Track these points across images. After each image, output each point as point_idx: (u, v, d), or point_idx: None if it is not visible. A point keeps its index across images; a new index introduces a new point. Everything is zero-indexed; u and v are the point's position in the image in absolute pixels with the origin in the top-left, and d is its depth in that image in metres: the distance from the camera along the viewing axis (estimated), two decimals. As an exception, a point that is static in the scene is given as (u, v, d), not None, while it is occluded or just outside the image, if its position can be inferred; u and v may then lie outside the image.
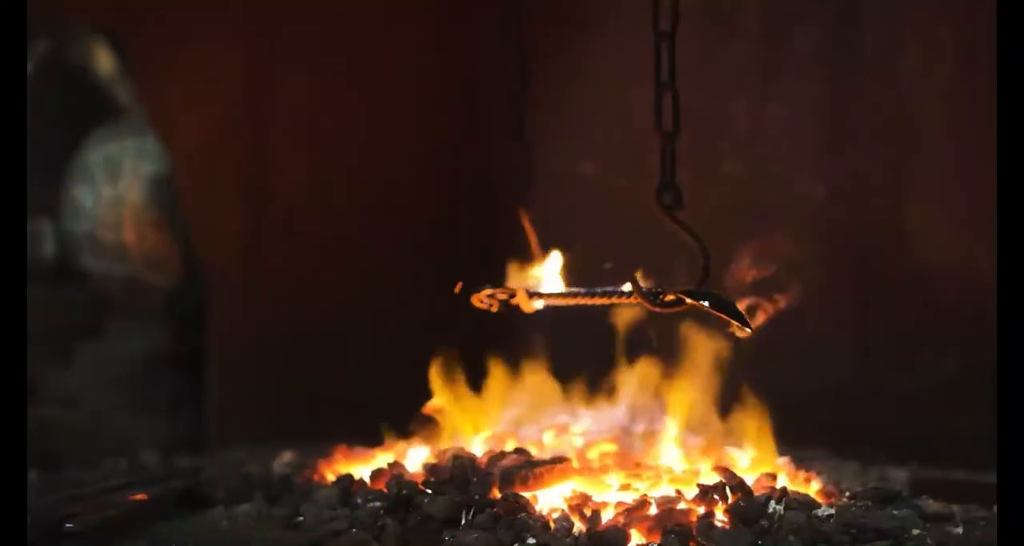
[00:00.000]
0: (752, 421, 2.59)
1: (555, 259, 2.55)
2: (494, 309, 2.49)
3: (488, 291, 2.47)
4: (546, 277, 2.52)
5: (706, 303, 2.26)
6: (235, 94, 3.35)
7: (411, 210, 3.49)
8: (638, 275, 2.32)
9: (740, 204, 3.35)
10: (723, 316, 2.26)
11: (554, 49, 3.38)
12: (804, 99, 3.34)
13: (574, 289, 2.45)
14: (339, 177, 3.47)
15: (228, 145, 3.35)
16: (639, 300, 2.31)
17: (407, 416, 2.67)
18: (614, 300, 2.37)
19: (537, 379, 2.77)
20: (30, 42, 3.46)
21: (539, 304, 2.48)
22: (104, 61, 3.69)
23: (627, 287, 2.33)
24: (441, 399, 2.66)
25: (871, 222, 3.29)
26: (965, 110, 3.11)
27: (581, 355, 2.79)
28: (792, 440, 2.67)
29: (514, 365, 2.77)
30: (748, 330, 2.28)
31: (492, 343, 2.76)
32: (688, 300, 2.27)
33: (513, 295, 2.46)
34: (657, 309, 2.30)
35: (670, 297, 2.28)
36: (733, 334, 2.31)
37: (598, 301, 2.39)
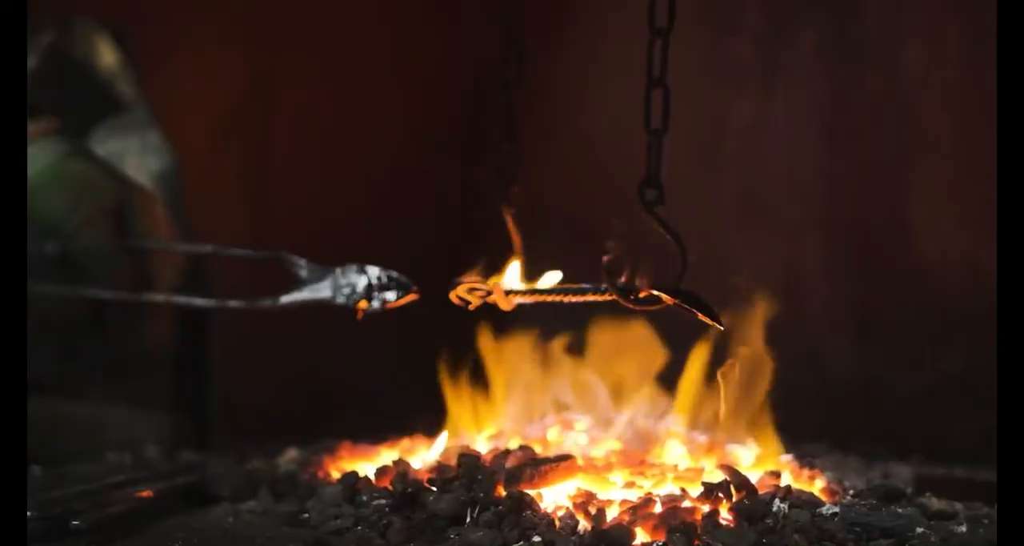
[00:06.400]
0: (756, 419, 2.60)
1: (520, 258, 2.54)
2: (472, 306, 2.49)
3: (465, 287, 2.47)
4: (525, 274, 2.51)
5: (679, 300, 2.26)
6: (239, 89, 3.35)
7: (417, 206, 3.49)
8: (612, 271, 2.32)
9: (742, 201, 3.35)
10: (695, 313, 2.26)
11: (554, 42, 3.38)
12: (807, 95, 3.34)
13: (551, 286, 2.44)
14: (342, 172, 3.46)
15: (232, 140, 3.35)
16: (614, 297, 2.31)
17: (412, 413, 2.67)
18: (589, 297, 2.37)
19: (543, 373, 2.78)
20: (36, 36, 3.46)
21: (517, 301, 2.48)
22: (109, 56, 3.69)
23: (603, 284, 2.34)
24: (451, 396, 2.67)
25: (874, 218, 3.29)
26: (969, 106, 3.12)
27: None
28: (796, 437, 2.68)
29: (517, 359, 2.78)
30: (720, 327, 2.28)
31: (495, 337, 2.77)
32: (663, 297, 2.27)
33: (490, 292, 2.46)
34: (632, 306, 2.31)
35: (644, 294, 2.29)
36: (710, 328, 2.31)
37: (574, 298, 2.39)
